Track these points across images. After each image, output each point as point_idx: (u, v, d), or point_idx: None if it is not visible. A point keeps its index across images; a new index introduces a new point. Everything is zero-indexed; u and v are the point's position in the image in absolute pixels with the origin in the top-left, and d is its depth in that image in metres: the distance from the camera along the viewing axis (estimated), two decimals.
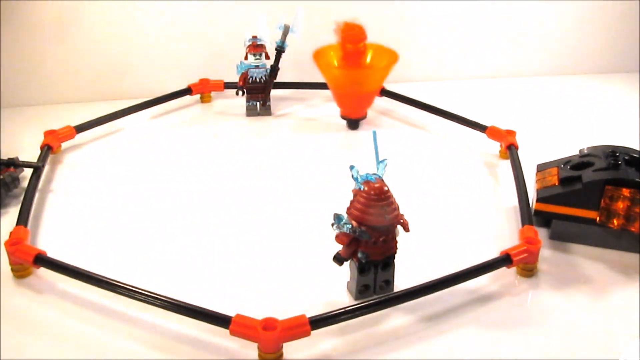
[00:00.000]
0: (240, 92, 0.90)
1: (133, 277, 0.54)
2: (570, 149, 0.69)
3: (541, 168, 0.69)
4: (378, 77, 0.87)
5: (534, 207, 0.65)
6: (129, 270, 0.59)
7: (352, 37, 0.84)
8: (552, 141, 0.86)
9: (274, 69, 0.89)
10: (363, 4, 1.00)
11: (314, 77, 0.90)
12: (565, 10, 1.08)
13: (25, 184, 0.69)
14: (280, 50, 0.89)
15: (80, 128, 0.83)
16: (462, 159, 0.82)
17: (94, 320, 0.53)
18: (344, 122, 0.89)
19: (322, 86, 0.93)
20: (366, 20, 1.02)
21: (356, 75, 0.86)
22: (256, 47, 0.87)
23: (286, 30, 0.87)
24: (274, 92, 0.93)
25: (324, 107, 0.96)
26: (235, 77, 1.00)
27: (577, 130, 0.91)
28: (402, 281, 0.57)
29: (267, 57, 0.88)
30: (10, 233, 0.60)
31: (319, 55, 0.87)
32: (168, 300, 0.51)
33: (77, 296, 0.55)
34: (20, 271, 0.58)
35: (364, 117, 0.89)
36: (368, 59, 0.88)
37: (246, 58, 0.88)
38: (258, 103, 0.91)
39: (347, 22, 0.84)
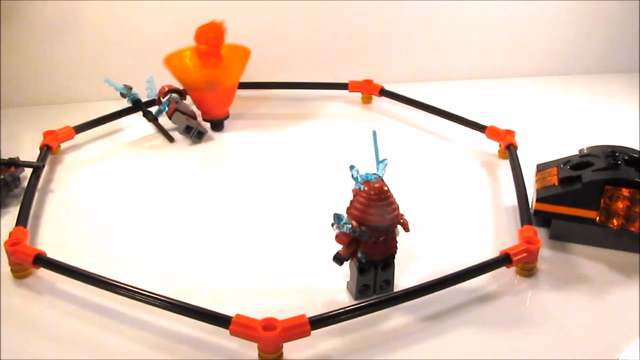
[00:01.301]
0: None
1: (133, 277, 0.54)
2: (570, 149, 0.69)
3: (541, 168, 0.69)
4: (232, 74, 0.87)
5: (533, 207, 0.65)
6: (129, 271, 0.59)
7: (205, 38, 0.84)
8: (552, 141, 0.86)
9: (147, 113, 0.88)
10: (363, 4, 1.01)
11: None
12: (565, 10, 1.08)
13: (25, 184, 0.69)
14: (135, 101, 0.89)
15: (80, 128, 0.83)
16: (461, 158, 0.82)
17: (94, 320, 0.53)
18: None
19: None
20: (366, 21, 1.02)
21: (209, 75, 0.85)
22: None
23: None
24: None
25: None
26: None
27: (577, 130, 0.91)
28: (402, 281, 0.57)
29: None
30: (10, 233, 0.60)
31: (171, 59, 0.86)
32: (168, 300, 0.51)
33: (77, 296, 0.55)
34: (19, 271, 0.57)
35: (227, 116, 0.89)
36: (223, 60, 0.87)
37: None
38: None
39: (204, 23, 0.84)
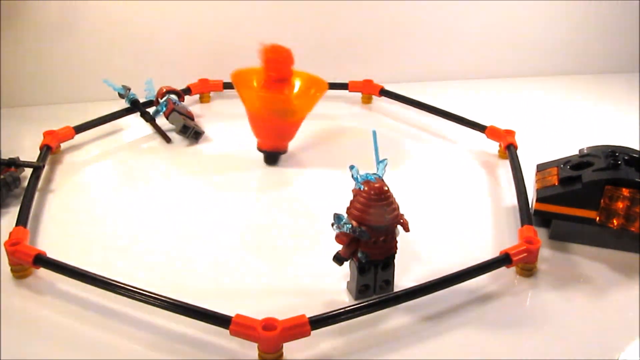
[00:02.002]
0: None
1: (133, 277, 0.54)
2: (570, 149, 0.69)
3: (541, 168, 0.69)
4: (299, 107, 0.77)
5: (533, 207, 0.65)
6: (129, 271, 0.59)
7: (274, 64, 0.75)
8: (552, 141, 0.86)
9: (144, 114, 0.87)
10: (363, 4, 1.01)
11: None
12: (565, 11, 1.08)
13: (25, 184, 0.69)
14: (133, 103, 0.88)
15: (80, 128, 0.83)
16: (461, 158, 0.82)
17: (94, 320, 0.53)
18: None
19: None
20: (366, 20, 1.02)
21: (274, 101, 0.76)
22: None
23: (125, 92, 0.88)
24: None
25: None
26: None
27: (577, 130, 0.91)
28: (402, 281, 0.57)
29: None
30: (10, 233, 0.60)
31: (239, 77, 0.78)
32: (168, 300, 0.51)
33: (77, 296, 0.55)
34: (19, 272, 0.57)
35: (284, 151, 0.79)
36: (296, 89, 0.78)
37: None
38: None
39: (271, 45, 0.74)
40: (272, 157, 0.79)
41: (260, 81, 0.78)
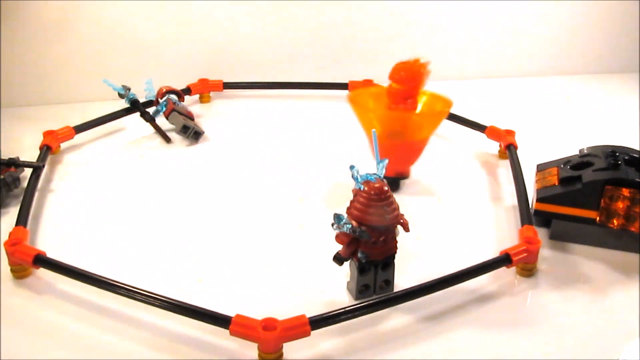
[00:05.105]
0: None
1: (133, 277, 0.54)
2: (570, 149, 0.69)
3: (541, 168, 0.69)
4: (421, 125, 0.72)
5: (533, 207, 0.65)
6: (129, 271, 0.59)
7: (399, 76, 0.70)
8: (552, 141, 0.86)
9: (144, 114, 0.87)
10: (363, 4, 1.01)
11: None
12: (565, 10, 1.08)
13: (25, 184, 0.69)
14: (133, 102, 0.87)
15: (80, 128, 0.83)
16: (461, 158, 0.82)
17: (94, 320, 0.53)
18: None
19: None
20: (366, 20, 1.02)
21: (392, 119, 0.70)
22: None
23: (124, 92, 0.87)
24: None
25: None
26: (233, 78, 1.00)
27: (577, 130, 0.91)
28: (402, 281, 0.57)
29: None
30: (10, 233, 0.60)
31: (355, 96, 0.74)
32: (168, 300, 0.51)
33: (77, 296, 0.55)
34: (19, 272, 0.57)
35: (407, 176, 0.73)
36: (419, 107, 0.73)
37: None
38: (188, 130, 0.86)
39: (403, 61, 0.71)
40: (394, 183, 0.71)
41: (380, 98, 0.72)
